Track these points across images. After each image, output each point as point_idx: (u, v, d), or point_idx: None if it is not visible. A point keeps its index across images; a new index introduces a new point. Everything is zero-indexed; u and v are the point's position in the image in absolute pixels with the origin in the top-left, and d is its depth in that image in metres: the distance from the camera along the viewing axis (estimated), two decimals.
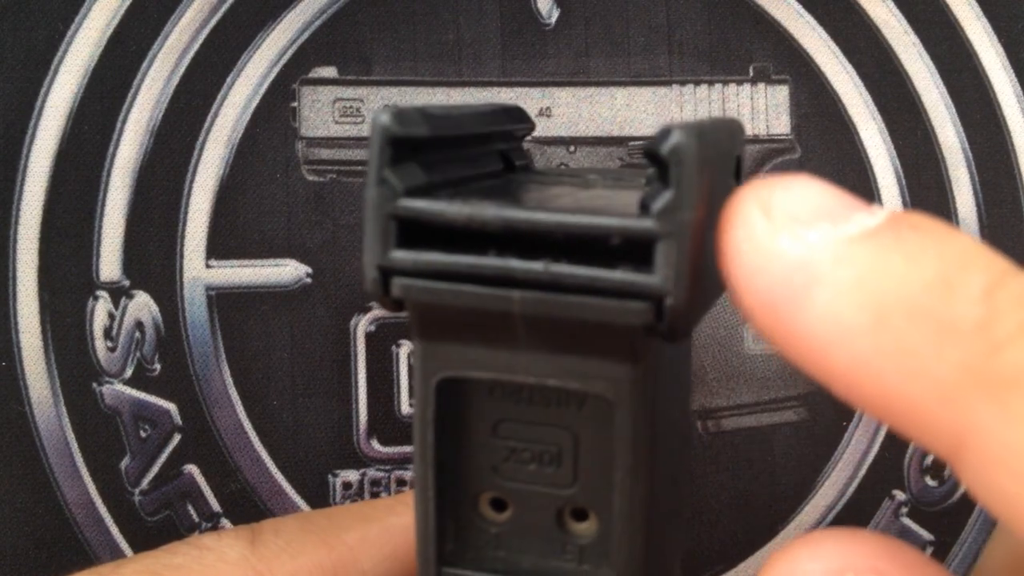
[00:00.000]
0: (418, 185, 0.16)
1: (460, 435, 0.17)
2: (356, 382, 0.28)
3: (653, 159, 0.14)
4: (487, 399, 0.17)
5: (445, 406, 0.17)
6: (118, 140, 0.27)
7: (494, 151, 0.20)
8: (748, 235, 0.15)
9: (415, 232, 0.15)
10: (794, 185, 0.15)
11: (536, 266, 0.15)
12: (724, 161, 0.17)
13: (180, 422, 0.27)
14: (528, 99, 0.29)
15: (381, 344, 0.28)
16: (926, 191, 0.30)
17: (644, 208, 0.14)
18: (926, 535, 0.30)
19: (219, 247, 0.28)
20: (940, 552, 0.30)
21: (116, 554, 0.27)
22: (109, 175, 0.27)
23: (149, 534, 0.27)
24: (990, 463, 0.13)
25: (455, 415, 0.17)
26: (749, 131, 0.30)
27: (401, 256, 0.15)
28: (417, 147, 0.16)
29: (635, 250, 0.14)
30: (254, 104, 0.28)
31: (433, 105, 0.17)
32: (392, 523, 0.23)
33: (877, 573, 0.15)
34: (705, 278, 0.16)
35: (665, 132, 0.14)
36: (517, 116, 0.21)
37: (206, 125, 0.28)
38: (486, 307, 0.15)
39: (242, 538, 0.22)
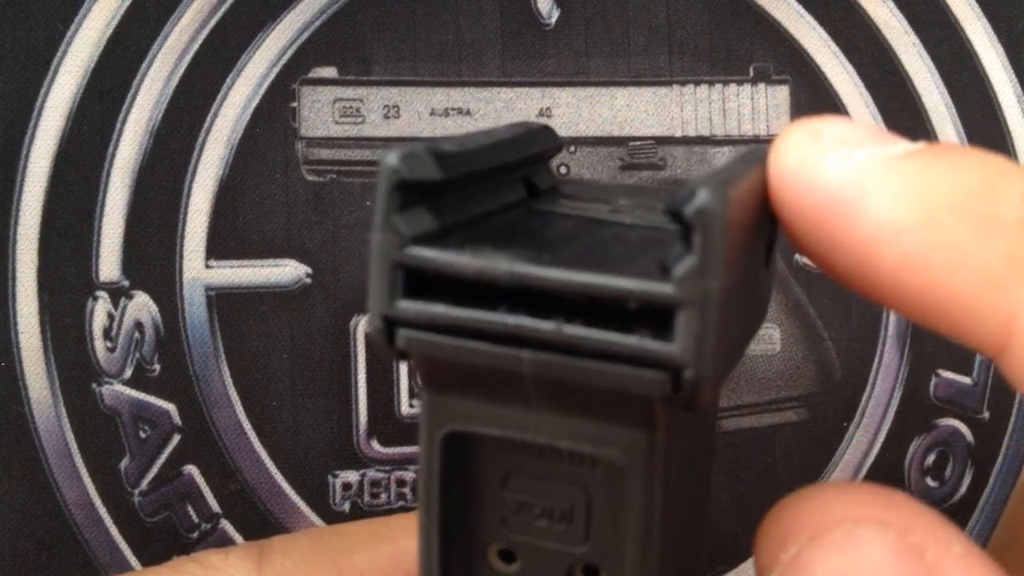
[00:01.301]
0: (428, 231, 0.15)
1: (467, 486, 0.16)
2: (356, 382, 0.28)
3: (676, 218, 0.14)
4: (496, 451, 0.16)
5: (452, 457, 0.16)
6: (118, 140, 0.27)
7: (516, 177, 0.19)
8: (799, 158, 0.15)
9: (423, 279, 0.15)
10: (839, 118, 0.16)
11: (548, 326, 0.14)
12: (756, 203, 0.16)
13: (180, 422, 0.27)
14: (528, 99, 0.29)
15: None
16: None
17: (665, 270, 0.14)
18: None
19: (219, 247, 0.28)
20: None
21: (115, 554, 0.27)
22: (109, 175, 0.27)
23: (149, 535, 0.27)
24: None
25: (462, 466, 0.16)
26: (749, 131, 0.30)
27: (407, 307, 0.14)
28: (428, 188, 0.15)
29: (655, 314, 0.14)
30: (254, 104, 0.28)
31: (448, 138, 0.16)
32: (405, 545, 0.22)
33: (875, 521, 0.15)
34: (735, 333, 0.15)
35: (690, 191, 0.13)
36: (544, 138, 0.20)
37: (206, 125, 0.28)
38: (494, 365, 0.14)
39: (249, 558, 0.21)
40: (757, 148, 0.17)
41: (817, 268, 0.17)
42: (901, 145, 0.15)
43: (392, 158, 0.14)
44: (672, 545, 0.16)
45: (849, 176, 0.15)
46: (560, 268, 0.14)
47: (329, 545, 0.22)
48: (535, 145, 0.19)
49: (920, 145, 0.15)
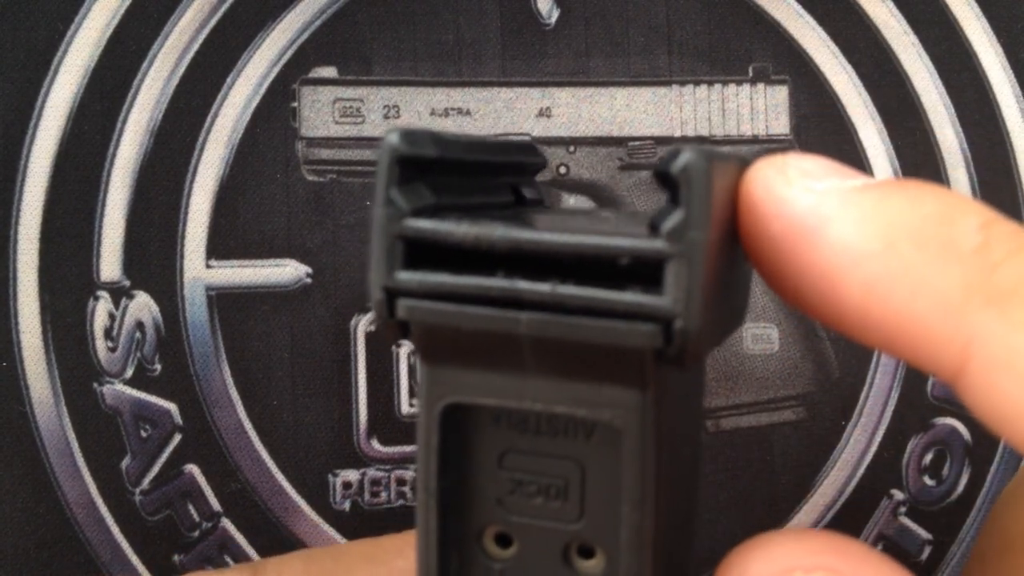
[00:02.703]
0: (426, 205, 0.15)
1: (464, 465, 0.17)
2: (356, 382, 0.28)
3: (663, 179, 0.14)
4: (493, 428, 0.16)
5: (449, 435, 0.16)
6: (118, 140, 0.27)
7: (504, 183, 0.20)
8: (765, 189, 0.16)
9: (422, 253, 0.15)
10: (805, 155, 0.17)
11: (543, 287, 0.15)
12: (734, 192, 0.17)
13: (180, 422, 0.28)
14: (528, 99, 0.29)
15: (381, 344, 0.28)
16: None
17: (654, 228, 0.14)
18: (924, 534, 0.30)
19: (219, 247, 0.28)
20: (938, 551, 0.30)
21: (116, 553, 0.27)
22: (109, 175, 0.27)
23: (150, 534, 0.27)
24: (993, 369, 0.14)
25: (459, 444, 0.17)
26: (748, 131, 0.30)
27: (407, 277, 0.15)
28: (426, 168, 0.16)
29: (645, 271, 0.14)
30: (254, 104, 0.28)
31: (443, 131, 0.17)
32: (398, 567, 0.22)
33: (825, 570, 0.15)
34: (720, 305, 0.16)
35: (675, 152, 0.14)
36: (528, 151, 0.21)
37: (206, 125, 0.28)
38: (492, 329, 0.15)
39: None
40: (744, 156, 0.18)
41: (788, 303, 0.17)
42: (862, 179, 0.16)
43: (393, 135, 0.15)
44: (665, 516, 0.16)
45: (812, 205, 0.16)
46: (554, 232, 0.15)
47: (323, 567, 0.22)
48: (521, 154, 0.20)
49: (881, 179, 0.16)
